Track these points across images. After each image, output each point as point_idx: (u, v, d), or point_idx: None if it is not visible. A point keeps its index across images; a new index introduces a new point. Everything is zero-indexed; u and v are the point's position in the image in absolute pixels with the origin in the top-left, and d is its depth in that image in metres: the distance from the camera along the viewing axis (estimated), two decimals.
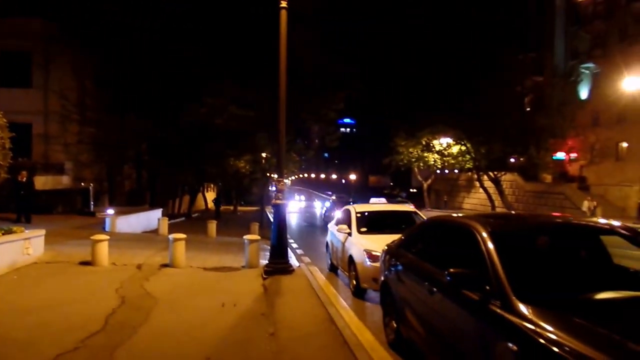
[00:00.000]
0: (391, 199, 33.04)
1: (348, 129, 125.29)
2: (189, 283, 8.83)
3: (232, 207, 48.04)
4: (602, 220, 4.71)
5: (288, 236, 15.37)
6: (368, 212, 10.26)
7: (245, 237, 10.96)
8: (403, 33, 49.66)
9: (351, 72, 28.06)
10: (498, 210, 35.89)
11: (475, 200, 45.62)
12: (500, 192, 35.99)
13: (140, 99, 27.12)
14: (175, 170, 29.94)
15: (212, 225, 19.17)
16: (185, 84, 26.33)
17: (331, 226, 11.34)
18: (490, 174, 36.44)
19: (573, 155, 39.39)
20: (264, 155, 28.79)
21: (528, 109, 34.03)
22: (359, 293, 8.18)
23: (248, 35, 25.14)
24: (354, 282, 8.36)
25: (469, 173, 44.02)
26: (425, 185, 46.11)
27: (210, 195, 52.60)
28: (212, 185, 50.99)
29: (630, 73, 27.87)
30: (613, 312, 3.13)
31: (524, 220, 5.22)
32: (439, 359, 4.15)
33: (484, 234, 3.84)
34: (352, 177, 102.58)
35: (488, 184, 37.63)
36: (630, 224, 11.83)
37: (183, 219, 32.23)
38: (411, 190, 59.53)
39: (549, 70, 38.90)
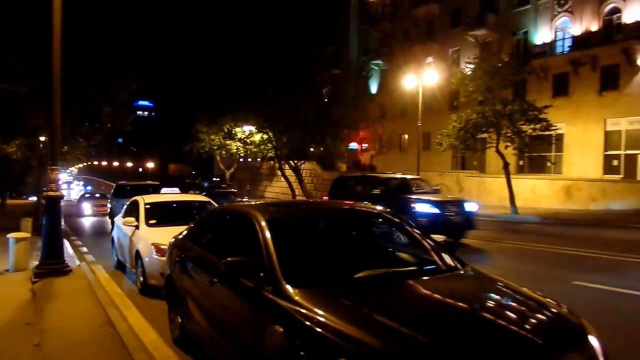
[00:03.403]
0: (194, 189, 31.51)
1: (146, 112, 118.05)
2: None
3: None
4: (379, 207, 5.21)
5: (71, 232, 13.15)
6: (158, 202, 9.68)
7: (10, 235, 9.29)
8: (206, 20, 48.08)
9: (149, 51, 25.64)
10: (298, 198, 37.02)
11: (277, 189, 46.57)
12: (300, 180, 37.13)
13: None
14: None
15: None
16: None
17: (118, 219, 10.43)
18: (291, 162, 37.32)
19: (365, 145, 42.92)
20: (42, 139, 24.59)
21: (326, 100, 35.60)
22: (146, 290, 7.69)
23: None
24: (141, 278, 7.86)
25: (271, 162, 44.70)
26: (227, 174, 45.51)
27: None
28: None
29: (409, 72, 31.02)
30: (369, 288, 3.43)
31: (301, 207, 5.54)
32: (219, 350, 4.16)
33: (262, 222, 3.97)
34: (150, 165, 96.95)
35: (289, 172, 38.55)
36: None
37: None
38: (214, 179, 58.48)
39: (344, 64, 41.53)
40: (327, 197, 16.54)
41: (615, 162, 26.53)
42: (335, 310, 2.92)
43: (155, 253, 7.45)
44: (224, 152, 42.44)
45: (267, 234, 3.79)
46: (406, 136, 39.09)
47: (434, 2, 36.96)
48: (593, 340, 2.93)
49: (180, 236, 5.79)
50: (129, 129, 29.49)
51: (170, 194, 11.59)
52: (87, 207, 29.07)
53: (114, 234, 10.52)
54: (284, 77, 32.88)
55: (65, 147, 26.77)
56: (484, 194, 29.74)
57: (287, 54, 34.42)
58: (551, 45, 29.29)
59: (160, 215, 9.03)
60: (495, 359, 2.60)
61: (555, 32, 29.37)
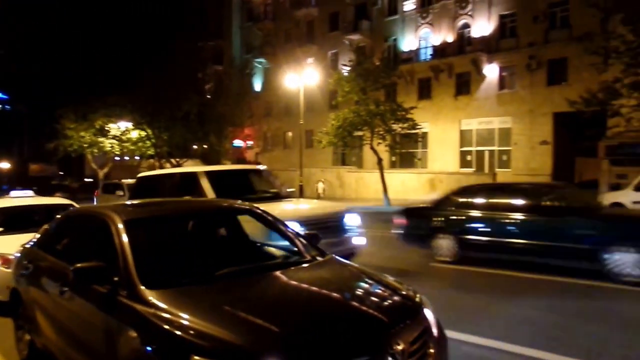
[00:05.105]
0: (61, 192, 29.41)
1: None
2: None
3: None
4: (247, 204, 5.07)
5: None
6: (6, 208, 8.70)
7: None
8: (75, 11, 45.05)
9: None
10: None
11: None
12: None
13: None
14: None
15: None
16: None
17: None
18: (172, 160, 36.49)
19: (250, 142, 43.51)
20: None
21: (209, 97, 35.40)
22: None
23: None
24: None
25: (151, 160, 43.25)
26: (101, 174, 42.77)
27: None
28: None
29: (292, 71, 32.26)
30: (229, 284, 3.45)
31: (164, 206, 5.12)
32: None
33: (118, 224, 3.76)
34: (5, 165, 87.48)
35: None
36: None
37: None
38: (86, 180, 54.74)
39: (227, 60, 41.59)
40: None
41: (468, 157, 30.45)
42: (191, 309, 2.92)
43: (0, 265, 6.76)
44: (96, 151, 39.74)
45: (123, 236, 3.62)
46: (290, 134, 40.40)
47: (313, 5, 38.80)
48: (428, 313, 3.32)
49: (30, 244, 5.29)
50: None
51: (22, 198, 10.55)
52: None
53: None
54: (164, 73, 31.95)
55: None
56: (362, 187, 32.08)
57: (167, 49, 33.46)
58: (416, 53, 32.52)
59: (10, 221, 8.12)
60: (346, 336, 2.82)
61: (420, 41, 32.66)
